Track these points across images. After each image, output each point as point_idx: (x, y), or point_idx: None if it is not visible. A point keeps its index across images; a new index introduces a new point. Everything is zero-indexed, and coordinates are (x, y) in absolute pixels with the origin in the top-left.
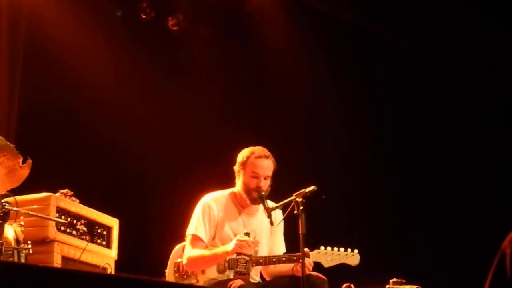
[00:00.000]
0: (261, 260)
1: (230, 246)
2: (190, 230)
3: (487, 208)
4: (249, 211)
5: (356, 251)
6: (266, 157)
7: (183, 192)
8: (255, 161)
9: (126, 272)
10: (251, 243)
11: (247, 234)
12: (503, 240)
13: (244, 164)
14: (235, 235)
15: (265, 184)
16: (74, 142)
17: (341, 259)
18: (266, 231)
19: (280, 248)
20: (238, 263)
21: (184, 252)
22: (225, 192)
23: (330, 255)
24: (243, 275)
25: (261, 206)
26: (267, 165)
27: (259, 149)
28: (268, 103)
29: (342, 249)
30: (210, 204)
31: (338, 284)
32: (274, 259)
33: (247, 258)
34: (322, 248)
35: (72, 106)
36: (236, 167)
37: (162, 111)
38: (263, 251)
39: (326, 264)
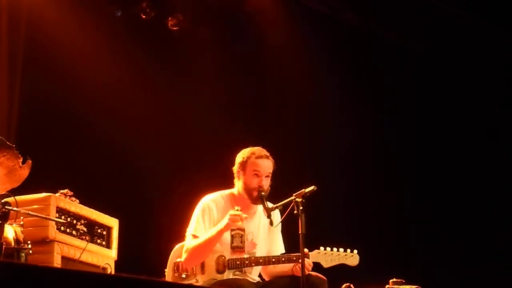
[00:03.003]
0: (260, 260)
1: (223, 223)
2: (189, 231)
3: (487, 208)
4: (247, 212)
5: (355, 251)
6: (267, 156)
7: (183, 192)
8: (256, 161)
9: (126, 272)
10: (244, 218)
11: (238, 210)
12: (503, 240)
13: (244, 164)
14: (232, 236)
15: (266, 183)
16: (74, 142)
17: (341, 259)
18: (264, 233)
19: (278, 248)
20: (234, 238)
21: (183, 249)
22: (224, 193)
23: (329, 256)
24: (240, 249)
25: (259, 208)
26: (268, 164)
27: (258, 149)
28: (268, 103)
29: (341, 250)
30: (210, 205)
31: (338, 284)
32: (273, 259)
33: (242, 232)
34: (322, 248)
35: (72, 106)
36: (235, 168)
37: (162, 111)
38: (261, 252)
39: (326, 264)
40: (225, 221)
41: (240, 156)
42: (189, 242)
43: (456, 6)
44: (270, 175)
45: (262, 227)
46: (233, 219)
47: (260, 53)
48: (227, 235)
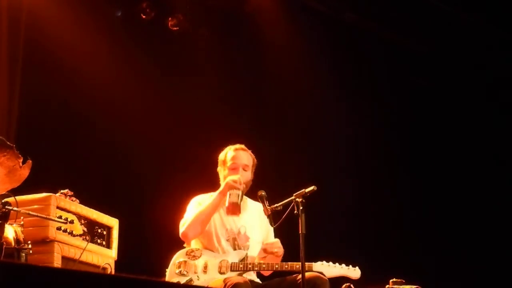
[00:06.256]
0: (263, 266)
1: (222, 185)
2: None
3: (488, 207)
4: None
5: (357, 267)
6: (243, 149)
7: (183, 192)
8: (232, 153)
9: (126, 272)
10: (242, 181)
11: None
12: (503, 239)
13: (224, 161)
14: (226, 230)
15: (245, 176)
16: (74, 142)
17: (343, 272)
18: (257, 227)
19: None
20: (230, 196)
21: (180, 226)
22: (213, 194)
23: (332, 268)
24: (235, 205)
25: (249, 202)
26: (244, 156)
27: (236, 144)
28: (268, 103)
29: (343, 265)
30: (200, 201)
31: (338, 284)
32: (276, 266)
33: (239, 191)
34: (325, 262)
35: (72, 106)
36: (218, 168)
37: (162, 111)
38: (254, 246)
39: (328, 274)
40: (223, 184)
41: (220, 156)
42: (187, 217)
43: (457, 6)
44: (249, 168)
45: (254, 220)
46: (234, 180)
47: (260, 53)
48: (224, 231)
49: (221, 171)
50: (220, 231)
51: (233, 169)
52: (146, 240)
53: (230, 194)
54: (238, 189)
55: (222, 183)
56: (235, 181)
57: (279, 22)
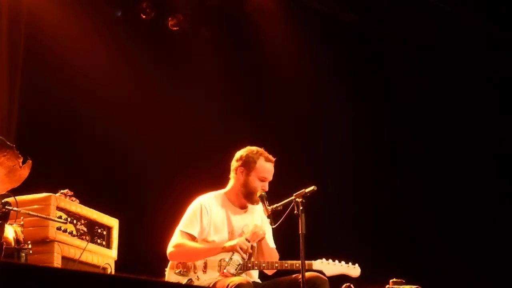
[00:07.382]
0: (263, 265)
1: (230, 243)
2: (179, 227)
3: (487, 208)
4: (242, 210)
5: (356, 264)
6: (272, 160)
7: (183, 192)
8: (265, 165)
9: (126, 272)
10: (250, 250)
11: (247, 240)
12: (503, 239)
13: (250, 164)
14: (229, 233)
15: (266, 187)
16: (74, 142)
17: (343, 270)
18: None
19: (270, 243)
20: (231, 262)
21: (171, 242)
22: (217, 194)
23: (332, 266)
24: (229, 274)
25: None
26: (272, 169)
27: (265, 152)
28: (268, 102)
29: (343, 262)
30: (203, 204)
31: (338, 284)
32: (276, 265)
33: (241, 261)
34: (324, 259)
35: (72, 106)
36: (237, 164)
37: (162, 111)
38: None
39: (328, 273)
40: (233, 242)
41: (245, 155)
42: (181, 240)
43: (457, 6)
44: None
45: (257, 221)
46: (242, 247)
47: (259, 52)
48: (226, 233)
49: (243, 172)
50: (221, 235)
51: (262, 181)
52: (146, 240)
53: (231, 259)
54: (244, 258)
55: (234, 241)
56: (245, 250)
57: (279, 22)
